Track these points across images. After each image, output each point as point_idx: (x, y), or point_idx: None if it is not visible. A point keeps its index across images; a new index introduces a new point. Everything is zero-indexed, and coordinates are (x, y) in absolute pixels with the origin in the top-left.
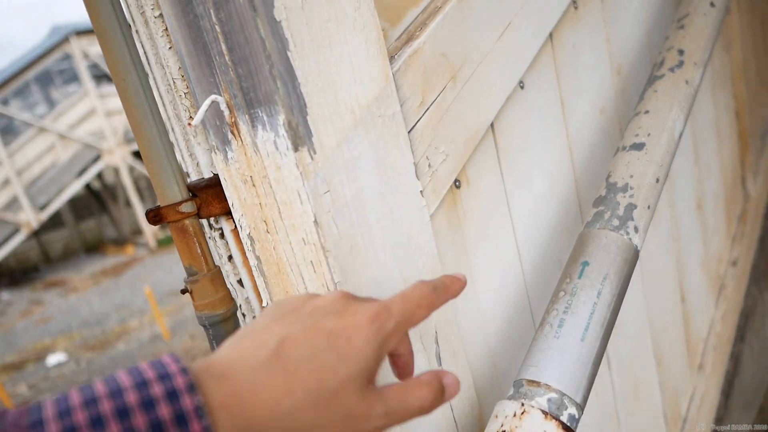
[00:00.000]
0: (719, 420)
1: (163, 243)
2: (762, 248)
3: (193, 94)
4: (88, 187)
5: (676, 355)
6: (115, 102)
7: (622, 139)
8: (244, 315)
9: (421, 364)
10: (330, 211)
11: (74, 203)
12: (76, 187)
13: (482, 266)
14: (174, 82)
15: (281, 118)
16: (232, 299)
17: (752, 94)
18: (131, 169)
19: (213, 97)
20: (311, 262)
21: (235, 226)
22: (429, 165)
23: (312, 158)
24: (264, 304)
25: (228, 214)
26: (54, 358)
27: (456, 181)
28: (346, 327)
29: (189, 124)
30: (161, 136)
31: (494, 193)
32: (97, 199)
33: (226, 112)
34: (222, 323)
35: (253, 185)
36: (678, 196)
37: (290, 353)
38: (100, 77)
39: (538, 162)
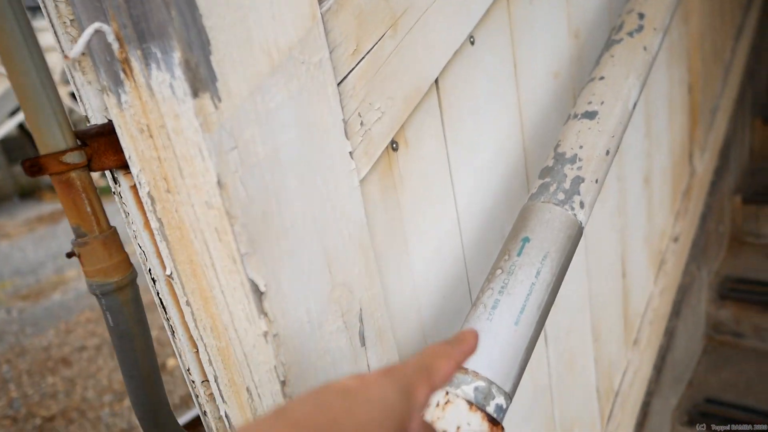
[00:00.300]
0: (650, 394)
1: (105, 191)
2: (703, 225)
3: (78, 22)
4: (21, 127)
5: (613, 329)
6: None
7: (574, 105)
8: (154, 281)
9: (342, 344)
10: (237, 172)
11: (6, 144)
12: (8, 126)
13: (418, 237)
14: (57, 5)
15: (176, 55)
16: (131, 265)
17: (706, 69)
18: (71, 111)
19: (96, 25)
20: (216, 229)
21: (134, 182)
22: (361, 123)
23: (216, 107)
24: (168, 272)
25: (126, 167)
26: None
27: (393, 143)
28: (360, 385)
29: (66, 56)
30: (39, 69)
31: (436, 157)
32: (32, 140)
33: (116, 45)
34: (116, 292)
35: (150, 136)
36: (627, 169)
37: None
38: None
39: (486, 126)
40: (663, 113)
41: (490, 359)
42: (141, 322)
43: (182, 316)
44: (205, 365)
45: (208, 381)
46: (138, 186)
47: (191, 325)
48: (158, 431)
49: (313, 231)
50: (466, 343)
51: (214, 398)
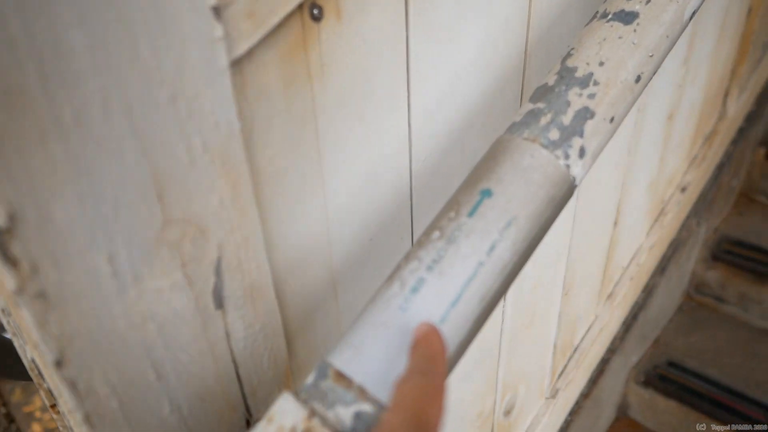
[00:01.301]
0: (612, 351)
1: None
2: (717, 176)
3: None
4: None
5: (587, 283)
6: None
7: (605, 0)
8: None
9: (180, 306)
10: None
11: None
12: None
13: (343, 156)
14: None
15: None
16: None
17: None
18: None
19: None
20: None
21: None
22: None
23: None
24: None
25: None
26: None
27: (313, 6)
28: None
29: None
30: None
31: (387, 42)
32: None
33: None
34: None
35: None
36: (651, 99)
37: None
38: None
39: (475, 7)
40: (710, 37)
41: (388, 373)
42: None
43: None
44: None
45: None
46: None
47: None
48: None
49: (129, 132)
50: (438, 359)
51: None
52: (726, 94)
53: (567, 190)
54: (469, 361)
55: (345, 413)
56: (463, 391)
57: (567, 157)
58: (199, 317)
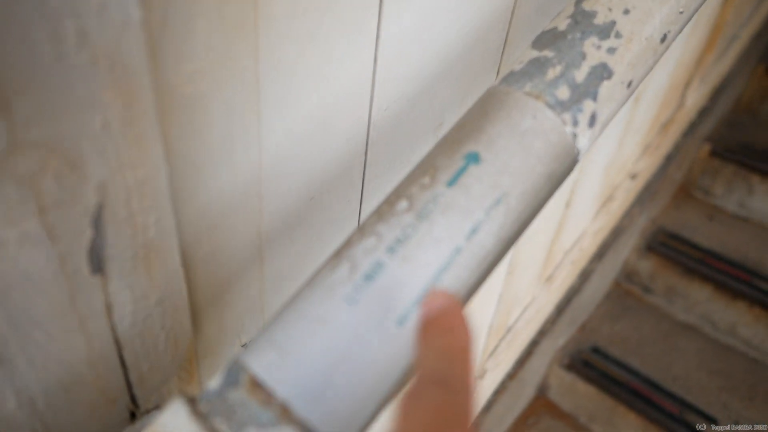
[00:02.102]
0: (542, 333)
1: None
2: (665, 167)
3: None
4: None
5: (531, 264)
6: None
7: None
8: None
9: (35, 268)
10: None
11: None
12: None
13: (288, 89)
14: None
15: None
16: None
17: None
18: None
19: None
20: None
21: None
22: None
23: None
24: None
25: None
26: None
27: None
28: None
29: None
30: None
31: None
32: None
33: None
34: None
35: None
36: None
37: None
38: None
39: None
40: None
41: (325, 388)
42: None
43: None
44: None
45: None
46: None
47: None
48: None
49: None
50: (464, 357)
51: None
52: (688, 84)
53: (569, 166)
54: None
55: None
56: None
57: (576, 123)
58: (64, 284)
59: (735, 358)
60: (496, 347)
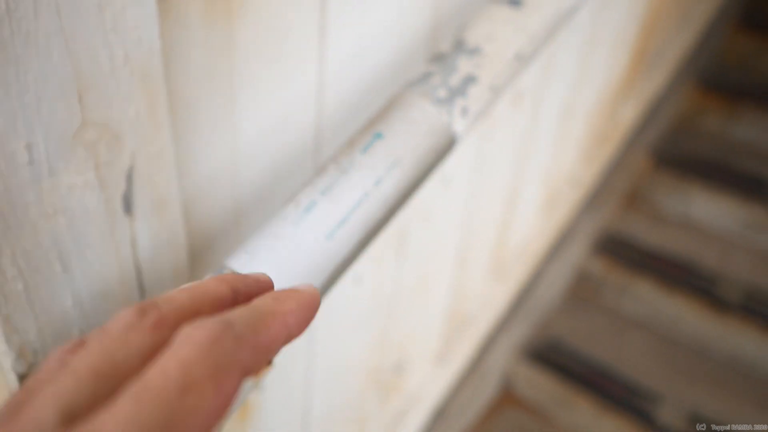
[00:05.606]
0: (499, 327)
1: None
2: (607, 176)
3: None
4: None
5: (482, 258)
6: None
7: None
8: None
9: (91, 206)
10: None
11: None
12: None
13: (255, 93)
14: None
15: None
16: None
17: (665, 11)
18: None
19: None
20: None
21: None
22: None
23: None
24: None
25: None
26: None
27: None
28: None
29: None
30: None
31: None
32: None
33: None
34: None
35: None
36: (548, 93)
37: None
38: None
39: None
40: (608, 44)
41: (279, 275)
42: None
43: None
44: None
45: None
46: None
47: None
48: None
49: (56, 31)
50: (278, 329)
51: None
52: (618, 100)
53: (447, 143)
54: (363, 311)
55: None
56: (355, 340)
57: (451, 114)
58: (107, 218)
59: (677, 346)
60: (455, 337)
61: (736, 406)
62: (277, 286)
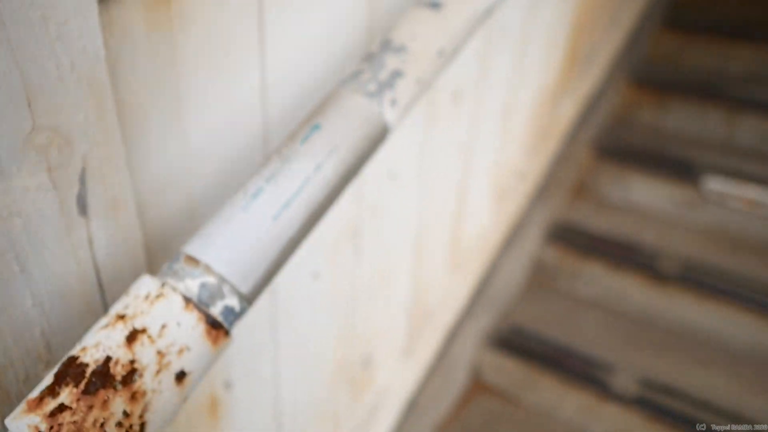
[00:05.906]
0: (463, 316)
1: None
2: (552, 169)
3: None
4: None
5: (439, 252)
6: None
7: None
8: None
9: (45, 207)
10: None
11: None
12: None
13: (202, 101)
14: None
15: None
16: None
17: (595, 12)
18: None
19: None
20: None
21: None
22: None
23: None
24: None
25: None
26: None
27: None
28: None
29: None
30: None
31: (243, 6)
32: None
33: None
34: None
35: None
36: (488, 93)
37: None
38: None
39: None
40: (540, 46)
41: (229, 254)
42: None
43: None
44: None
45: None
46: None
47: None
48: None
49: (2, 39)
50: None
51: None
52: (558, 96)
53: (380, 131)
54: (324, 305)
55: (192, 284)
56: (319, 335)
57: (381, 105)
58: (63, 219)
59: (626, 318)
60: (419, 329)
61: (683, 368)
62: (231, 265)
